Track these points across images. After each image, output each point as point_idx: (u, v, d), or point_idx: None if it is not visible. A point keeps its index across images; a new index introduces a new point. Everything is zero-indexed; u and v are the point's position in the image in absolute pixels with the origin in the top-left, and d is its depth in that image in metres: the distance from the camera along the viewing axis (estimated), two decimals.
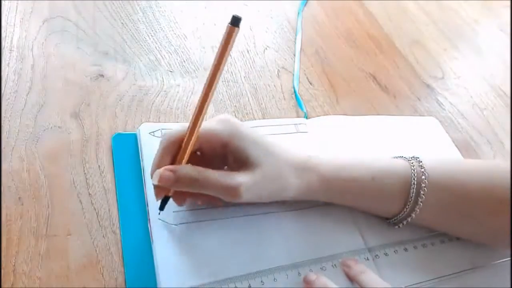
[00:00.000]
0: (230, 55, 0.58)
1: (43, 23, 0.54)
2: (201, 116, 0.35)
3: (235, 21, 0.32)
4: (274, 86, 0.56)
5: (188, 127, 0.35)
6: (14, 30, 0.52)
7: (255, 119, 0.51)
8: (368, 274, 0.38)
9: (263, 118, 0.52)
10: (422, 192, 0.40)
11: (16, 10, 0.54)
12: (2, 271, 0.34)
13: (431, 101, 0.61)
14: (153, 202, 0.39)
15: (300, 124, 0.50)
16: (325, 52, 0.64)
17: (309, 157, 0.41)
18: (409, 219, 0.41)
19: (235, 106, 0.52)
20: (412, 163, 0.41)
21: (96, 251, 0.37)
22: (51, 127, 0.44)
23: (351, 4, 0.74)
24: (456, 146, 0.55)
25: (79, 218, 0.38)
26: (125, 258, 0.37)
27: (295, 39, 0.64)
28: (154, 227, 0.38)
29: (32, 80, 0.47)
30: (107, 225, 0.39)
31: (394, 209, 0.41)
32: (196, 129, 0.35)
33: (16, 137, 0.42)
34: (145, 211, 0.39)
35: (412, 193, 0.40)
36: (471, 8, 0.82)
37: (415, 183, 0.40)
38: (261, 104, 0.53)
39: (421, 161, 0.41)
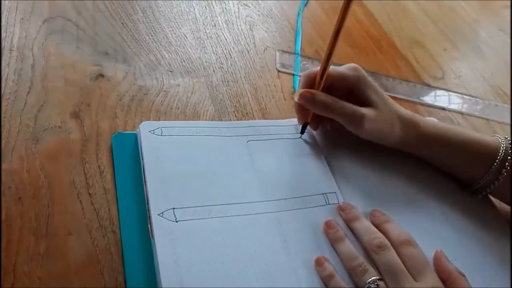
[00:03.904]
0: (231, 55, 0.58)
1: (43, 23, 0.54)
2: (328, 58, 0.42)
3: None
4: (274, 86, 0.56)
5: (320, 66, 0.43)
6: (14, 30, 0.52)
7: (255, 119, 0.51)
8: (361, 221, 0.41)
9: (263, 118, 0.52)
10: (507, 163, 0.44)
11: (16, 10, 0.54)
12: (2, 271, 0.34)
13: (431, 101, 0.61)
14: (154, 200, 0.39)
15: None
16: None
17: (412, 114, 0.47)
18: (492, 187, 0.46)
19: (235, 106, 0.52)
20: (501, 139, 0.46)
21: (96, 251, 0.37)
22: (51, 127, 0.44)
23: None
24: None
25: (79, 218, 0.38)
26: (125, 258, 0.37)
27: (295, 39, 0.64)
28: (155, 224, 0.38)
29: (32, 80, 0.47)
30: (107, 225, 0.39)
31: (478, 173, 0.46)
32: (327, 69, 0.43)
33: (16, 137, 0.42)
34: (145, 211, 0.39)
35: (499, 160, 0.44)
36: (471, 8, 0.82)
37: (503, 153, 0.45)
38: (261, 104, 0.53)
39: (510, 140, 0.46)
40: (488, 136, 0.47)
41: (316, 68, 0.45)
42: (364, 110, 0.44)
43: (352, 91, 0.45)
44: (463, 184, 0.48)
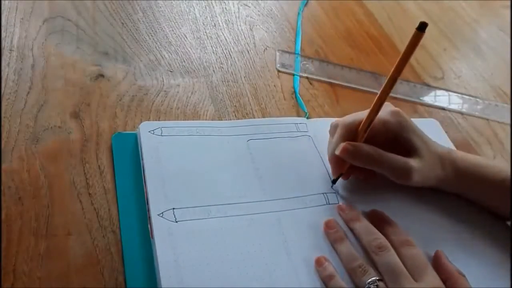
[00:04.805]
0: (231, 55, 0.58)
1: (43, 23, 0.54)
2: (379, 108, 0.40)
3: (422, 27, 0.37)
4: (274, 86, 0.56)
5: (367, 117, 0.41)
6: (14, 30, 0.52)
7: (255, 119, 0.51)
8: (361, 221, 0.41)
9: (263, 118, 0.52)
10: None
11: (16, 10, 0.54)
12: (2, 271, 0.34)
13: (431, 101, 0.61)
14: (153, 200, 0.39)
15: (300, 123, 0.50)
16: (325, 52, 0.64)
17: (450, 151, 0.46)
18: None
19: (235, 106, 0.52)
20: None
21: (96, 251, 0.37)
22: (51, 127, 0.44)
23: (351, 4, 0.74)
24: (456, 146, 0.54)
25: (79, 218, 0.38)
26: (125, 258, 0.37)
27: (295, 39, 0.64)
28: (155, 224, 0.38)
29: (32, 80, 0.47)
30: (107, 225, 0.39)
31: None
32: (372, 119, 0.40)
33: (16, 137, 0.42)
34: (145, 211, 0.39)
35: None
36: (471, 8, 0.82)
37: None
38: (261, 104, 0.53)
39: None
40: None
41: (355, 116, 0.42)
42: (412, 162, 0.42)
43: (395, 138, 0.43)
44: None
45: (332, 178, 0.45)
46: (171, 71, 0.54)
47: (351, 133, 0.42)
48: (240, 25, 0.63)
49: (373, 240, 0.39)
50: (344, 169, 0.44)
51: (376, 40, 0.68)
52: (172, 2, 0.63)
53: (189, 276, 0.35)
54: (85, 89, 0.48)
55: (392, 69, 0.38)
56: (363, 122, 0.41)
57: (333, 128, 0.44)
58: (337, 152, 0.41)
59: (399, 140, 0.43)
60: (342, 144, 0.41)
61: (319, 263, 0.38)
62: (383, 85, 0.39)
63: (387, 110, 0.43)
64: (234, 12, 0.65)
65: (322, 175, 0.46)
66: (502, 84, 0.68)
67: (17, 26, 0.52)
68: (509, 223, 0.47)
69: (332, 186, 0.45)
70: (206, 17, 0.63)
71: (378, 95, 0.39)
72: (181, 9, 0.62)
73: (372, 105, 0.40)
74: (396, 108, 0.44)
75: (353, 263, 0.38)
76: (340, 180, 0.45)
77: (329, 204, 0.43)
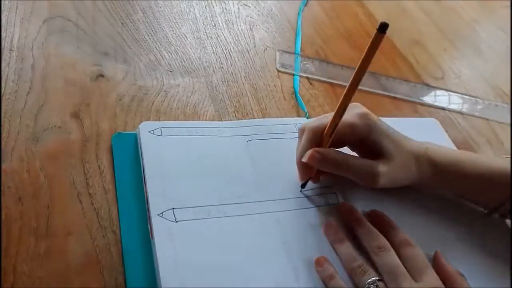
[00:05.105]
0: (231, 55, 0.58)
1: (43, 23, 0.54)
2: (343, 112, 0.39)
3: (383, 28, 0.36)
4: (274, 86, 0.56)
5: (331, 121, 0.40)
6: (14, 30, 0.52)
7: (255, 119, 0.51)
8: (361, 222, 0.41)
9: (263, 118, 0.52)
10: None
11: (16, 10, 0.54)
12: (2, 271, 0.34)
13: (431, 101, 0.61)
14: (153, 200, 0.39)
15: (300, 124, 0.50)
16: (325, 52, 0.64)
17: (426, 148, 0.44)
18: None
19: (235, 106, 0.52)
20: None
21: (96, 251, 0.37)
22: (51, 127, 0.44)
23: (351, 4, 0.74)
24: (456, 146, 0.55)
25: (79, 218, 0.38)
26: (125, 258, 0.37)
27: (295, 39, 0.64)
28: (155, 224, 0.38)
29: (32, 80, 0.47)
30: (107, 225, 0.39)
31: (495, 202, 0.44)
32: (337, 123, 0.40)
33: (16, 137, 0.42)
34: (145, 211, 0.39)
35: None
36: (471, 8, 0.82)
37: None
38: (261, 104, 0.53)
39: None
40: (507, 162, 0.44)
41: (321, 119, 0.42)
42: (379, 167, 0.41)
43: (363, 141, 0.42)
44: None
45: (301, 183, 0.44)
46: (171, 71, 0.54)
47: (318, 137, 0.41)
48: (240, 25, 0.63)
49: (373, 241, 0.39)
50: (313, 173, 0.43)
51: None
52: (172, 2, 0.63)
53: (189, 276, 0.35)
54: (85, 89, 0.48)
55: (353, 75, 0.37)
56: (327, 127, 0.40)
57: (300, 132, 0.44)
58: (304, 160, 0.41)
59: (367, 143, 0.42)
60: (309, 152, 0.41)
61: (318, 263, 0.38)
62: (346, 90, 0.38)
63: (355, 112, 0.42)
64: (234, 12, 0.65)
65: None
66: (502, 84, 0.68)
67: (17, 26, 0.52)
68: (509, 223, 0.47)
69: (301, 191, 0.44)
70: (206, 17, 0.63)
71: (341, 99, 0.38)
72: (181, 9, 0.62)
73: (336, 109, 0.39)
74: (365, 110, 0.43)
75: (352, 263, 0.38)
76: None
77: (328, 204, 0.43)
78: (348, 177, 0.42)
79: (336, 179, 0.44)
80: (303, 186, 0.44)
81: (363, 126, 0.42)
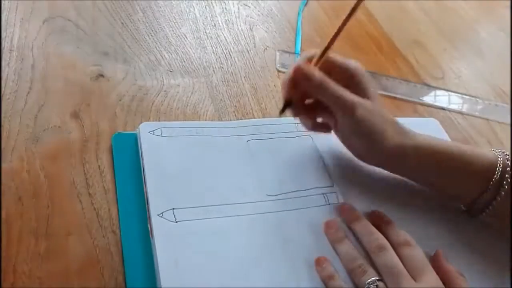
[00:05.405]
0: (231, 55, 0.58)
1: (43, 23, 0.54)
2: (335, 37, 0.42)
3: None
4: (274, 86, 0.56)
5: (321, 51, 0.42)
6: (14, 30, 0.52)
7: (255, 119, 0.51)
8: (361, 221, 0.41)
9: (263, 118, 0.52)
10: (505, 182, 0.40)
11: (16, 10, 0.54)
12: (2, 271, 0.34)
13: (431, 101, 0.61)
14: (153, 200, 0.39)
15: (300, 124, 0.50)
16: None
17: (410, 130, 0.44)
18: (490, 207, 0.42)
19: (235, 106, 0.52)
20: (498, 154, 0.42)
21: (96, 251, 0.37)
22: (51, 127, 0.44)
23: (351, 4, 0.74)
24: None
25: (79, 218, 0.38)
26: (125, 258, 0.37)
27: (295, 39, 0.64)
28: (155, 225, 0.38)
29: (32, 80, 0.47)
30: (107, 225, 0.39)
31: (474, 191, 0.42)
32: (330, 48, 0.42)
33: (16, 137, 0.42)
34: (145, 211, 0.39)
35: (496, 176, 0.41)
36: (471, 8, 0.82)
37: (500, 170, 0.41)
38: (261, 104, 0.53)
39: (508, 154, 0.42)
40: (486, 151, 0.43)
41: (317, 50, 0.43)
42: (359, 99, 0.41)
43: (350, 81, 0.43)
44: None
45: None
46: (171, 71, 0.54)
47: (309, 62, 0.42)
48: (240, 25, 0.63)
49: (373, 240, 0.39)
50: (295, 95, 0.43)
51: (376, 40, 0.68)
52: (172, 2, 0.63)
53: (189, 276, 0.35)
54: (85, 89, 0.48)
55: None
56: (319, 50, 0.42)
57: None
58: (290, 71, 0.42)
59: (354, 82, 0.43)
60: (295, 64, 0.41)
61: (319, 263, 0.38)
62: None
63: (357, 65, 0.44)
64: (234, 12, 0.65)
65: (322, 175, 0.46)
66: (502, 84, 0.68)
67: (17, 26, 0.52)
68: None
69: (279, 115, 0.44)
70: (206, 17, 0.63)
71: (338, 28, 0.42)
72: (181, 9, 0.62)
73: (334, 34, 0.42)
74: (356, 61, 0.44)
75: (353, 263, 0.38)
76: (340, 180, 0.45)
77: (329, 204, 0.43)
78: (327, 102, 0.42)
79: (315, 125, 0.45)
80: (282, 110, 0.44)
81: (353, 67, 0.43)
